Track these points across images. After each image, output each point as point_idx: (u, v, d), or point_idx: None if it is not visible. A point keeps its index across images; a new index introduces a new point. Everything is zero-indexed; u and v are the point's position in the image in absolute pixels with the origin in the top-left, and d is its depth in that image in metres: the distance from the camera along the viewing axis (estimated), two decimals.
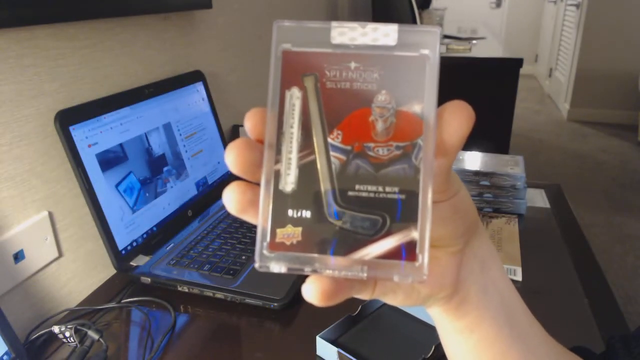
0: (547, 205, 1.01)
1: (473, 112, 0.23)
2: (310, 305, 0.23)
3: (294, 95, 0.22)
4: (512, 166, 0.97)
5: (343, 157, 0.22)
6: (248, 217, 0.23)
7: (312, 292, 0.23)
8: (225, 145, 1.05)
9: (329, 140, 0.22)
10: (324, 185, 0.22)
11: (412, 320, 0.66)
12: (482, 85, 2.44)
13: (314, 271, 0.22)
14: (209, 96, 1.02)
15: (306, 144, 0.22)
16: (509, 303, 0.30)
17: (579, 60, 4.42)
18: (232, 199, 0.23)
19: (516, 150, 3.19)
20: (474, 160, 1.00)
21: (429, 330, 0.63)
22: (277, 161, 0.22)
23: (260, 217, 0.22)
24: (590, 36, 4.32)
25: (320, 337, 0.61)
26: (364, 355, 0.59)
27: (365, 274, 0.22)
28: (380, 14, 2.45)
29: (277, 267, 0.22)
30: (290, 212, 0.22)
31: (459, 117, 0.23)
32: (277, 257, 0.22)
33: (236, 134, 1.20)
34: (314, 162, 0.22)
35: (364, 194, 0.22)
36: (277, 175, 0.22)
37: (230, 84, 1.24)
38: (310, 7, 1.94)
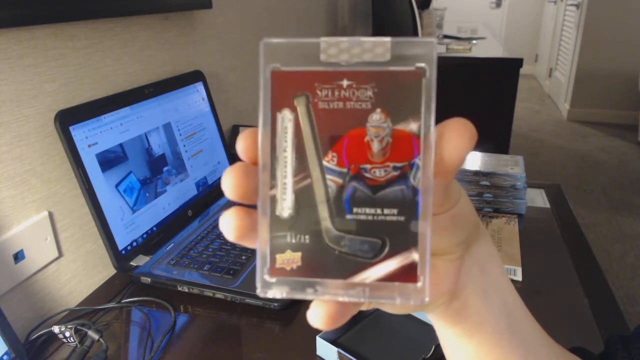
0: (547, 205, 1.01)
1: (475, 130, 0.22)
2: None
3: (286, 118, 0.22)
4: (512, 166, 0.97)
5: (339, 180, 0.22)
6: (247, 243, 0.23)
7: (318, 317, 0.23)
8: (225, 145, 1.05)
9: (324, 163, 0.22)
10: (321, 210, 0.22)
11: (412, 320, 0.66)
12: (482, 85, 2.44)
13: (315, 296, 0.22)
14: (209, 96, 1.02)
15: (301, 167, 0.22)
16: (509, 306, 0.30)
17: (579, 60, 4.42)
18: (230, 226, 0.22)
19: (516, 150, 3.18)
20: (474, 160, 1.00)
21: (429, 330, 0.63)
22: (273, 186, 0.22)
23: (259, 244, 0.22)
24: (590, 36, 4.32)
25: (320, 337, 0.61)
26: (364, 355, 0.59)
27: (366, 298, 0.22)
28: (380, 14, 2.45)
29: (279, 293, 0.22)
30: (288, 238, 0.22)
31: (461, 136, 0.22)
32: (278, 282, 0.22)
33: (236, 134, 1.20)
34: (309, 186, 0.22)
35: (362, 217, 0.22)
36: (273, 200, 0.22)
37: (230, 84, 1.24)
38: (310, 7, 1.94)
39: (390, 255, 0.21)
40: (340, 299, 0.22)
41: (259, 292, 0.22)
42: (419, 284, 0.21)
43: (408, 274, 0.21)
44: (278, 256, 0.22)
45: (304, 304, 0.70)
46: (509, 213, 0.95)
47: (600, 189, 3.15)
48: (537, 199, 1.03)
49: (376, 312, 0.67)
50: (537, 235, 0.89)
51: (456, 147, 0.22)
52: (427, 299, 0.21)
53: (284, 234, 0.22)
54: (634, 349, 0.39)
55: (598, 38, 4.30)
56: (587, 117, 4.51)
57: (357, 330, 0.64)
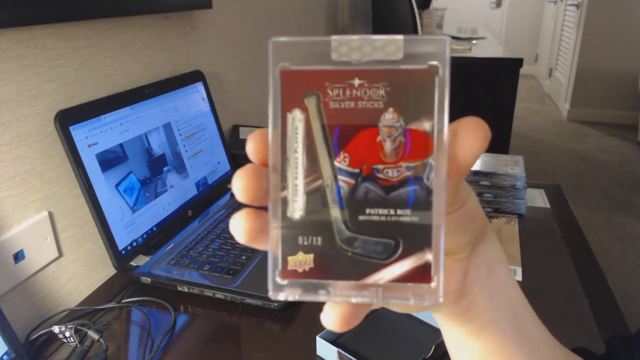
0: (547, 205, 1.01)
1: (489, 130, 0.22)
2: (310, 306, 0.23)
3: (297, 118, 0.21)
4: (512, 166, 0.97)
5: (351, 181, 0.21)
6: (258, 246, 0.23)
7: (332, 319, 0.22)
8: (225, 145, 1.05)
9: (336, 163, 0.21)
10: (333, 211, 0.21)
11: (412, 320, 0.66)
12: (482, 85, 2.44)
13: (328, 298, 0.22)
14: (209, 96, 1.02)
15: (312, 168, 0.21)
16: (515, 306, 0.30)
17: (579, 60, 4.42)
18: (241, 229, 0.22)
19: (516, 150, 3.19)
20: None
21: (429, 330, 0.63)
22: (283, 188, 0.21)
23: (271, 246, 0.22)
24: (590, 36, 4.32)
25: (320, 337, 0.61)
26: (364, 355, 0.59)
27: (379, 299, 0.21)
28: (380, 14, 2.45)
29: (291, 295, 0.22)
30: (300, 240, 0.22)
31: (475, 136, 0.22)
32: (290, 284, 0.22)
33: (236, 134, 1.20)
34: (321, 187, 0.21)
35: (375, 218, 0.21)
36: (284, 202, 0.21)
37: (230, 84, 1.24)
38: (310, 7, 1.94)
39: (404, 256, 0.21)
40: (354, 300, 0.22)
41: (270, 294, 0.22)
42: (433, 284, 0.21)
43: (422, 274, 0.21)
44: (290, 258, 0.22)
45: (305, 304, 0.70)
46: (509, 213, 0.95)
47: (600, 189, 3.15)
48: (537, 199, 1.03)
49: (376, 312, 0.67)
50: (537, 235, 0.89)
51: (470, 147, 0.22)
52: (441, 299, 0.21)
53: (295, 236, 0.22)
54: (636, 350, 0.39)
55: (598, 38, 4.30)
56: (587, 117, 4.51)
57: (357, 330, 0.64)
